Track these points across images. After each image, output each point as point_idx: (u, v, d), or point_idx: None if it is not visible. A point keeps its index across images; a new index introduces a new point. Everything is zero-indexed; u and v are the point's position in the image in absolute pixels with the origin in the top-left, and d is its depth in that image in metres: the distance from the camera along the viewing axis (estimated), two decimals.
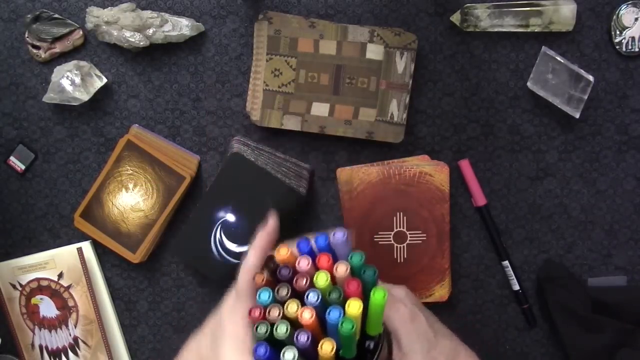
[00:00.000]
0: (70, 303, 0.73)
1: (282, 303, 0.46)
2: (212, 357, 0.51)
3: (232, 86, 0.72)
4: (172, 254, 0.74)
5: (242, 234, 0.67)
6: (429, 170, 0.68)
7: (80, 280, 0.73)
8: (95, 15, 0.69)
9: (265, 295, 0.47)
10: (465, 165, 0.70)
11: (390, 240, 0.69)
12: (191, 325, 0.74)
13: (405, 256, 0.69)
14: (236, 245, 0.68)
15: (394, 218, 0.69)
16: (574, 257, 0.72)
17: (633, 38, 0.69)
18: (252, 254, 0.50)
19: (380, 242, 0.69)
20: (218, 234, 0.68)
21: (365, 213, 0.69)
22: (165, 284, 0.74)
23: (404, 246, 0.69)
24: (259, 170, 0.66)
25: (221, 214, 0.68)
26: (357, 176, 0.69)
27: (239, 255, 0.67)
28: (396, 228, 0.69)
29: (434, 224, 0.69)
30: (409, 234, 0.69)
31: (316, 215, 0.72)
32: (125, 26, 0.69)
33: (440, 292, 0.70)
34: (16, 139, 0.74)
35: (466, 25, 0.69)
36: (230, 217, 0.67)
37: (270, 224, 0.52)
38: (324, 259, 0.47)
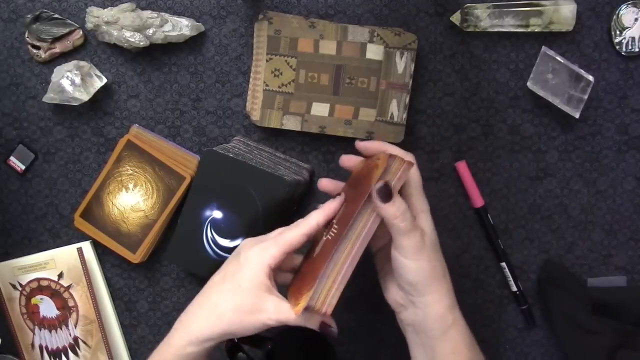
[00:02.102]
0: (70, 303, 0.73)
1: None
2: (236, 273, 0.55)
3: (232, 86, 0.72)
4: (168, 262, 0.74)
5: (233, 228, 0.67)
6: (379, 165, 0.55)
7: (80, 280, 0.73)
8: (95, 16, 0.69)
9: None
10: (462, 166, 0.70)
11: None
12: None
13: (318, 251, 0.57)
14: (229, 240, 0.68)
15: (341, 208, 0.59)
16: (574, 257, 0.72)
17: (633, 38, 0.69)
18: (320, 216, 0.56)
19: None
20: (209, 233, 0.68)
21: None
22: (165, 284, 0.74)
23: (323, 239, 0.57)
24: (235, 163, 0.66)
25: (207, 212, 0.68)
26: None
27: (234, 250, 0.67)
28: (334, 219, 0.58)
29: (343, 223, 0.55)
30: (333, 227, 0.57)
31: None
32: (125, 26, 0.69)
33: (301, 304, 0.53)
34: (16, 139, 0.74)
35: (466, 25, 0.69)
36: (218, 214, 0.67)
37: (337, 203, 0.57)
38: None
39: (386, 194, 0.53)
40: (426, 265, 0.54)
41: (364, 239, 0.54)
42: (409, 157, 0.57)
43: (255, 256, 0.55)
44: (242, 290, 0.54)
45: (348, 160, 0.62)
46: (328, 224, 0.58)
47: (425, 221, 0.56)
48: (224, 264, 0.58)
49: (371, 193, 0.53)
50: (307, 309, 0.53)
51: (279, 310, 0.53)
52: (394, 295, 0.57)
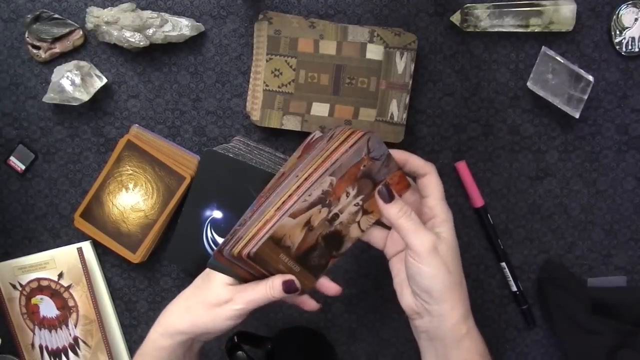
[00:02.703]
0: (70, 303, 0.73)
1: None
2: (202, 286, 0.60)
3: (232, 86, 0.72)
4: (169, 262, 0.74)
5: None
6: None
7: (80, 280, 0.73)
8: (95, 16, 0.69)
9: None
10: (462, 166, 0.70)
11: None
12: None
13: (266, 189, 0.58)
14: None
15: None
16: (574, 257, 0.72)
17: (633, 38, 0.69)
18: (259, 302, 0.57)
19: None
20: (209, 233, 0.68)
21: None
22: (165, 284, 0.74)
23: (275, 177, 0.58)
24: (234, 163, 0.66)
25: (207, 213, 0.68)
26: None
27: None
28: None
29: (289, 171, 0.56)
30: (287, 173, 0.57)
31: None
32: (125, 26, 0.69)
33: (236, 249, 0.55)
34: (16, 139, 0.74)
35: (466, 25, 0.69)
36: (217, 214, 0.67)
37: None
38: None
39: (389, 194, 0.54)
40: (441, 272, 0.53)
41: (298, 202, 0.53)
42: (429, 167, 0.57)
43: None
44: (210, 287, 0.58)
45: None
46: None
47: (447, 230, 0.55)
48: None
49: (374, 191, 0.54)
50: (222, 252, 0.54)
51: (242, 294, 0.56)
52: (408, 302, 0.56)
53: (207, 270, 0.60)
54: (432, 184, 0.56)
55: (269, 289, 0.56)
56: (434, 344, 0.56)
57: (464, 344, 0.54)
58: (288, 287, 0.55)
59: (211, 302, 0.57)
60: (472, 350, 0.55)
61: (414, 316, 0.56)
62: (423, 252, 0.53)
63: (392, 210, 0.54)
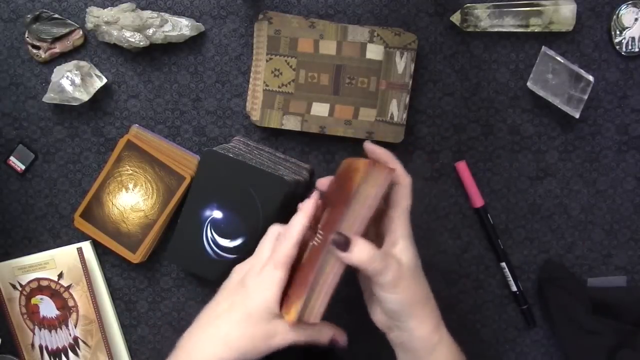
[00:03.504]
0: (70, 303, 0.73)
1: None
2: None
3: (232, 86, 0.72)
4: (168, 262, 0.74)
5: (233, 229, 0.67)
6: (360, 168, 0.54)
7: (80, 280, 0.73)
8: (95, 15, 0.69)
9: None
10: (462, 167, 0.70)
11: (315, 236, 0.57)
12: None
13: (306, 257, 0.56)
14: (229, 240, 0.68)
15: (325, 212, 0.57)
16: (574, 257, 0.72)
17: (633, 38, 0.69)
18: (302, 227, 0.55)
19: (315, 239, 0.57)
20: (209, 233, 0.68)
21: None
22: (165, 284, 0.74)
23: (310, 245, 0.56)
24: (235, 163, 0.66)
25: (207, 212, 0.68)
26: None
27: (234, 250, 0.67)
28: (320, 223, 0.57)
29: (327, 230, 0.54)
30: (319, 233, 0.56)
31: None
32: (125, 26, 0.69)
33: (292, 314, 0.53)
34: (16, 139, 0.74)
35: (466, 25, 0.69)
36: (218, 214, 0.67)
37: (312, 201, 0.56)
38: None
39: (344, 243, 0.52)
40: (405, 295, 0.53)
41: None
42: (407, 178, 0.56)
43: (264, 283, 0.54)
44: (253, 318, 0.54)
45: (322, 185, 0.60)
46: (317, 227, 0.57)
47: (405, 249, 0.54)
48: (224, 291, 0.58)
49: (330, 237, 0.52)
50: (299, 320, 0.54)
51: (288, 332, 0.55)
52: (379, 317, 0.57)
53: (241, 297, 0.55)
54: (403, 196, 0.55)
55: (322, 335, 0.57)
56: (407, 355, 0.57)
57: (438, 353, 0.55)
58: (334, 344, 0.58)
59: (258, 337, 0.54)
60: (448, 357, 0.56)
61: (386, 330, 0.57)
62: (387, 285, 0.53)
63: (354, 259, 0.52)
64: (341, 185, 0.56)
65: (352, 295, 0.73)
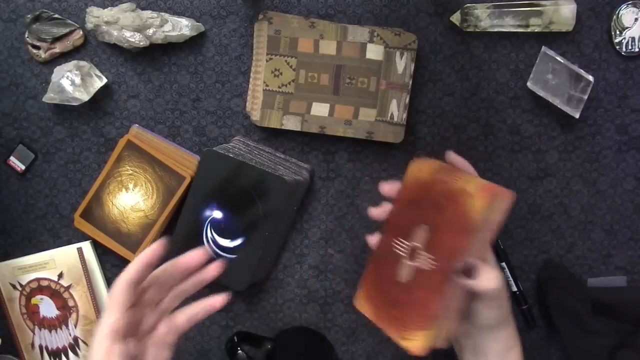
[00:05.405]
0: (70, 303, 0.73)
1: None
2: None
3: (232, 86, 0.72)
4: None
5: (233, 228, 0.67)
6: (471, 190, 0.54)
7: (80, 280, 0.73)
8: (95, 15, 0.69)
9: None
10: None
11: (405, 252, 0.58)
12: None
13: (409, 278, 0.57)
14: (229, 240, 0.68)
15: (417, 230, 0.58)
16: (574, 257, 0.72)
17: (633, 38, 0.69)
18: (134, 268, 0.53)
19: (395, 250, 0.59)
20: (209, 233, 0.68)
21: (398, 211, 0.61)
22: None
23: (413, 266, 0.57)
24: (235, 163, 0.66)
25: (207, 212, 0.68)
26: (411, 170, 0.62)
27: (234, 250, 0.67)
28: (414, 242, 0.57)
29: (446, 256, 0.55)
30: (423, 254, 0.56)
31: (317, 214, 0.72)
32: (125, 26, 0.69)
33: (416, 342, 0.54)
34: (16, 139, 0.74)
35: (466, 25, 0.69)
36: (217, 214, 0.67)
37: (157, 246, 0.55)
38: None
39: (472, 271, 0.54)
40: (502, 311, 0.56)
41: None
42: (507, 192, 0.55)
43: (98, 334, 0.52)
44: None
45: (390, 190, 0.62)
46: (397, 235, 0.59)
47: (496, 268, 0.56)
48: None
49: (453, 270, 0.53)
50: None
51: None
52: (459, 327, 0.58)
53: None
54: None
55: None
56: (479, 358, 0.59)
57: (511, 354, 0.58)
58: None
59: None
60: (513, 337, 0.58)
61: (459, 335, 0.59)
62: (490, 302, 0.55)
63: (482, 286, 0.54)
64: (436, 202, 0.57)
65: (352, 295, 0.73)
